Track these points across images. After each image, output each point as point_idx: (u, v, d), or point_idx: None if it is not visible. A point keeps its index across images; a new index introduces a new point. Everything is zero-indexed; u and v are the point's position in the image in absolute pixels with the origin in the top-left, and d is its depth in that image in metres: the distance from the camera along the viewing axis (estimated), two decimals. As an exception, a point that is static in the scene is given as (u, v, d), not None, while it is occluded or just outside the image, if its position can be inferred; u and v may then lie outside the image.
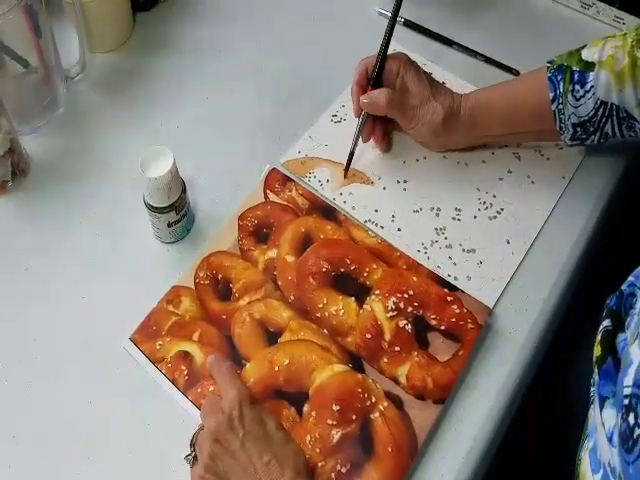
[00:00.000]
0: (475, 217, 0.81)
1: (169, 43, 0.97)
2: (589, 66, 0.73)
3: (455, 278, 0.76)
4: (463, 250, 0.78)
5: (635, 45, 0.71)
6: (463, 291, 0.74)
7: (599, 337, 0.61)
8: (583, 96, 0.74)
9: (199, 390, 0.70)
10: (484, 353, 0.72)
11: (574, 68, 0.74)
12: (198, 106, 0.91)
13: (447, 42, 0.96)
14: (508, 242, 0.79)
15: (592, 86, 0.73)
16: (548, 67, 0.77)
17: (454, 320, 0.73)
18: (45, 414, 0.70)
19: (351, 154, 0.84)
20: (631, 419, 0.48)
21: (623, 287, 0.63)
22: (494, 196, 0.82)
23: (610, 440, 0.53)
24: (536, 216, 0.80)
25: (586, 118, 0.75)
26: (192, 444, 0.65)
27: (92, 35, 0.93)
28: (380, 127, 0.84)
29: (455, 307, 0.73)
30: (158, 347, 0.72)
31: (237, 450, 0.61)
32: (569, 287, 0.77)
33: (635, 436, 0.47)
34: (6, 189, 0.83)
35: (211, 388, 0.69)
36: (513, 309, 0.75)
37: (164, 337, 0.73)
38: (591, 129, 0.76)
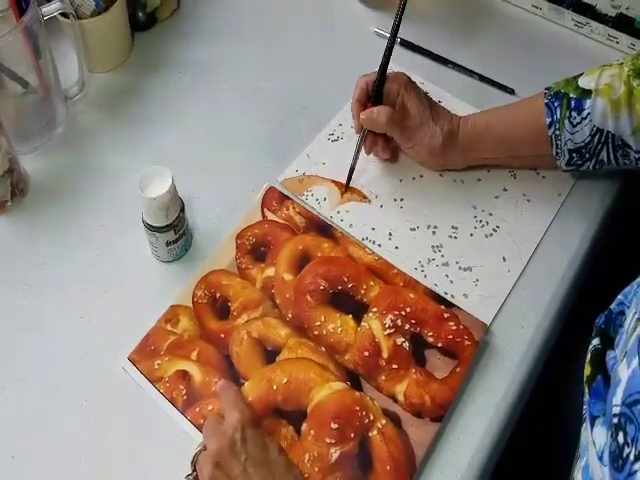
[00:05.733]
0: (471, 235, 0.81)
1: (168, 63, 0.98)
2: (586, 93, 0.74)
3: (452, 296, 0.76)
4: (460, 268, 0.79)
5: (631, 74, 0.72)
6: (460, 307, 0.75)
7: (589, 356, 0.62)
8: (580, 123, 0.75)
9: (197, 409, 0.70)
10: (481, 370, 0.73)
11: (571, 95, 0.75)
12: (196, 125, 0.91)
13: (443, 61, 0.96)
14: (504, 260, 0.79)
15: (589, 113, 0.74)
16: (545, 93, 0.78)
17: (451, 337, 0.73)
18: (44, 434, 0.70)
19: (352, 169, 0.85)
20: (620, 438, 0.48)
21: (612, 306, 0.63)
22: (490, 214, 0.82)
23: (601, 459, 0.53)
24: (532, 234, 0.81)
25: (582, 144, 0.76)
26: (193, 463, 0.65)
27: (91, 55, 0.93)
28: (383, 138, 0.84)
29: (452, 324, 0.74)
30: (156, 366, 0.72)
31: (238, 475, 0.61)
32: (565, 304, 0.77)
33: (625, 455, 0.47)
34: (5, 209, 0.84)
35: (210, 407, 0.69)
36: (510, 326, 0.75)
37: (162, 356, 0.73)
38: (587, 155, 0.76)
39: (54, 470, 0.68)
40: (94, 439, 0.69)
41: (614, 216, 0.84)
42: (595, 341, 0.62)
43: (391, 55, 0.81)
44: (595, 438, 0.55)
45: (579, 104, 0.75)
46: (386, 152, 0.85)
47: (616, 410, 0.50)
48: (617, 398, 0.50)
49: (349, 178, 0.85)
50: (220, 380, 0.71)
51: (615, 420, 0.49)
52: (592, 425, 0.56)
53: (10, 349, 0.75)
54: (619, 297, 0.63)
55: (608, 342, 0.61)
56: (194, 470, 0.65)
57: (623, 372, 0.51)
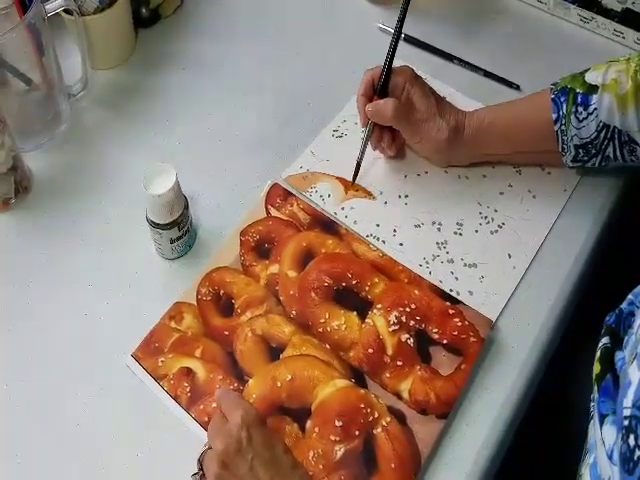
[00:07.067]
0: (476, 231, 0.81)
1: (171, 59, 0.98)
2: (592, 89, 0.74)
3: (457, 293, 0.76)
4: (465, 264, 0.78)
5: (638, 70, 0.72)
6: (465, 304, 0.74)
7: (598, 354, 0.61)
8: (586, 118, 0.74)
9: (202, 407, 0.69)
10: (486, 367, 0.72)
11: (577, 90, 0.75)
12: (200, 122, 0.91)
13: (448, 57, 0.96)
14: (510, 256, 0.79)
15: (595, 108, 0.73)
16: (551, 89, 0.77)
17: (456, 333, 0.72)
18: (47, 432, 0.70)
19: (358, 164, 0.84)
20: (631, 441, 0.48)
21: (623, 305, 0.63)
22: (495, 210, 0.82)
23: (610, 457, 0.52)
24: (537, 230, 0.80)
25: (588, 140, 0.75)
26: (199, 462, 0.65)
27: (94, 52, 0.93)
28: (389, 133, 0.83)
29: (457, 320, 0.73)
30: (160, 364, 0.72)
31: (245, 474, 0.61)
32: (571, 301, 0.77)
33: (636, 458, 0.47)
34: (9, 206, 0.84)
35: (214, 404, 0.69)
36: (515, 323, 0.75)
37: (166, 354, 0.73)
38: (593, 151, 0.76)
39: (57, 468, 0.68)
40: (98, 437, 0.69)
41: (619, 212, 0.84)
42: (605, 339, 0.62)
43: (397, 45, 0.81)
44: (604, 437, 0.54)
45: (585, 99, 0.74)
46: (392, 148, 0.84)
47: (627, 412, 0.49)
48: (628, 400, 0.50)
49: (356, 173, 0.84)
50: (217, 389, 0.70)
51: (626, 422, 0.49)
52: (601, 423, 0.56)
53: (13, 347, 0.75)
54: (629, 297, 0.62)
55: (617, 342, 0.61)
56: (200, 469, 0.64)
57: (634, 374, 0.50)
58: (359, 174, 0.85)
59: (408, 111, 0.80)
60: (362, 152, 0.84)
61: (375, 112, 0.80)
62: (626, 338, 0.59)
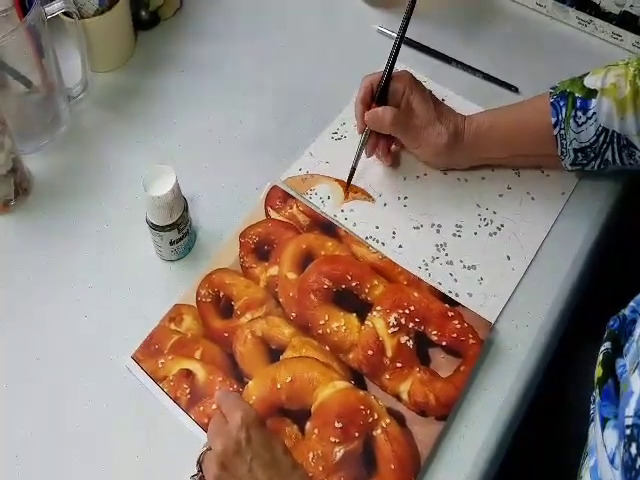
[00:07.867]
0: (475, 233, 0.81)
1: (171, 61, 0.98)
2: (591, 93, 0.74)
3: (456, 294, 0.76)
4: (464, 266, 0.79)
5: (637, 74, 0.72)
6: (464, 306, 0.75)
7: (600, 357, 0.61)
8: (585, 122, 0.74)
9: (201, 408, 0.69)
10: (486, 369, 0.72)
11: (576, 95, 0.75)
12: (199, 124, 0.91)
13: (446, 59, 0.96)
14: (508, 258, 0.79)
15: (594, 113, 0.74)
16: (551, 93, 0.78)
17: (455, 335, 0.73)
18: (47, 434, 0.70)
19: (352, 170, 0.84)
20: (633, 449, 0.48)
21: (626, 312, 0.63)
22: (494, 212, 0.82)
23: (612, 462, 0.52)
24: (536, 232, 0.81)
25: (587, 144, 0.75)
26: (199, 463, 0.65)
27: (94, 54, 0.93)
28: (384, 141, 0.84)
29: (456, 322, 0.73)
30: (160, 365, 0.72)
31: (244, 476, 0.61)
32: (569, 303, 0.77)
33: (637, 467, 0.47)
34: (9, 208, 0.84)
35: (214, 406, 0.69)
36: (514, 325, 0.75)
37: (166, 355, 0.73)
38: (592, 155, 0.76)
39: (57, 470, 0.68)
40: (97, 438, 0.69)
41: (618, 215, 0.84)
42: (607, 344, 0.62)
43: (397, 55, 0.81)
44: (606, 440, 0.54)
45: (584, 104, 0.74)
46: (387, 158, 0.85)
47: (629, 421, 0.49)
48: (630, 409, 0.50)
49: (350, 179, 0.85)
50: (217, 390, 0.70)
51: (628, 431, 0.49)
52: (603, 427, 0.56)
53: (13, 348, 0.75)
54: (632, 304, 0.62)
55: (618, 348, 0.61)
56: (200, 470, 0.65)
57: (635, 383, 0.51)
58: (357, 176, 0.85)
59: (407, 118, 0.80)
60: (357, 158, 0.84)
61: (373, 120, 0.80)
62: (627, 345, 0.59)
